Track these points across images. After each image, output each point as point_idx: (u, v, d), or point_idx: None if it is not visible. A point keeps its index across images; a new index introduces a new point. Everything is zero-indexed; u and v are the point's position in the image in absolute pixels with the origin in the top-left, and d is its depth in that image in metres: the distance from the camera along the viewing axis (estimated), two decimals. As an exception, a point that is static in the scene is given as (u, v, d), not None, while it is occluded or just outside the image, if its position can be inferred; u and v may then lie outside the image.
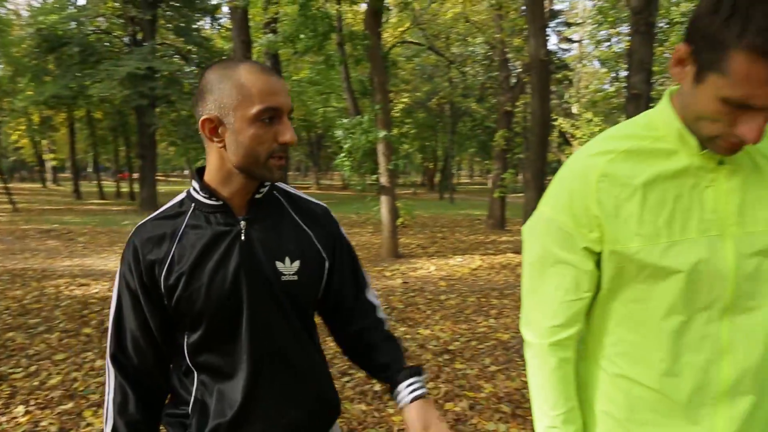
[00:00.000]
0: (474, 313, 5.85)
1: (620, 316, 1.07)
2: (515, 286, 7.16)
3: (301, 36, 7.66)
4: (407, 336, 4.98)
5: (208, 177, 1.18)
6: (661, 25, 18.51)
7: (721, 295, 0.99)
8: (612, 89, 22.83)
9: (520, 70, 15.52)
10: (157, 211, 1.22)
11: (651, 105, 14.64)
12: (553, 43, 29.77)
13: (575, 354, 1.14)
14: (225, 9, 21.24)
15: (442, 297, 6.59)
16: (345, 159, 9.06)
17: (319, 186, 43.83)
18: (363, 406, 3.33)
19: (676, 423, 1.04)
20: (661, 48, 18.07)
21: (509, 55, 15.23)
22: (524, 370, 4.00)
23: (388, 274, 8.29)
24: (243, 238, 1.16)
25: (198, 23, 22.51)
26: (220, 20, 22.99)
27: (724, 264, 0.98)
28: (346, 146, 9.28)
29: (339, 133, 9.17)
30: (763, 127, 0.89)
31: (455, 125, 32.20)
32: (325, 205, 1.36)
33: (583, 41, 29.10)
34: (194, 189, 1.20)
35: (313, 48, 8.08)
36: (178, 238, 1.14)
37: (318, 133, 40.91)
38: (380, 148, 9.29)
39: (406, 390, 1.21)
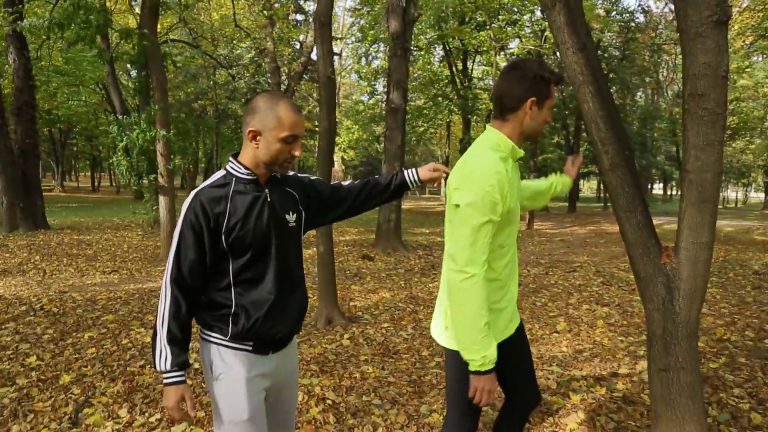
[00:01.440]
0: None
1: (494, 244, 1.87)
2: (309, 279, 7.86)
3: (72, 25, 7.19)
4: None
5: (243, 161, 1.79)
6: (413, 49, 21.17)
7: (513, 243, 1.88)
8: (372, 101, 25.02)
9: (289, 78, 16.31)
10: (209, 182, 1.78)
11: (407, 116, 16.54)
12: (313, 54, 31.25)
13: None
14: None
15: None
16: (121, 158, 8.69)
17: (64, 189, 38.74)
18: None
19: (511, 289, 1.97)
20: (411, 69, 20.64)
21: (280, 63, 15.91)
22: (323, 340, 4.72)
23: (172, 274, 8.27)
24: (269, 199, 1.80)
25: None
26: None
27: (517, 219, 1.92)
28: (120, 144, 8.90)
29: (113, 129, 8.75)
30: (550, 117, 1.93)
31: (219, 127, 31.80)
32: (298, 174, 2.02)
33: (342, 54, 31.29)
34: (233, 168, 1.79)
35: (85, 39, 7.63)
36: (230, 199, 1.73)
37: (62, 129, 36.30)
38: (159, 148, 9.14)
39: (408, 174, 2.08)
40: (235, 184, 1.77)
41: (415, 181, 2.08)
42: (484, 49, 19.69)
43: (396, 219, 11.55)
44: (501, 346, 1.88)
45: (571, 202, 28.04)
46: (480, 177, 1.75)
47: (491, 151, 1.86)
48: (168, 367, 1.68)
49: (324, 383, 3.81)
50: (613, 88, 28.62)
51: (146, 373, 4.02)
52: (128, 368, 4.13)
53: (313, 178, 2.06)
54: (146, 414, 3.32)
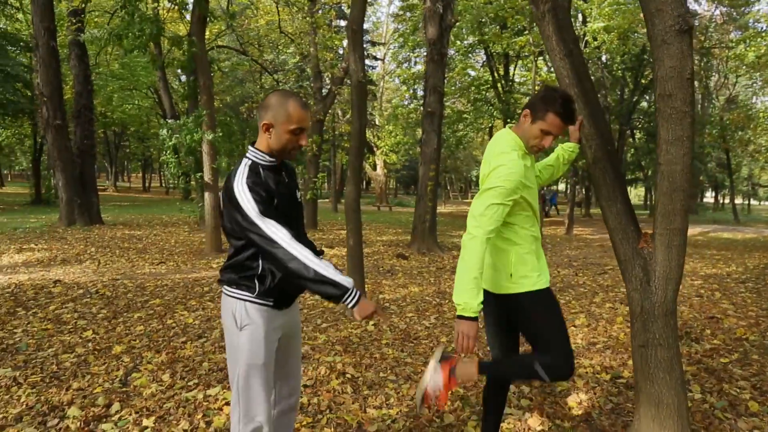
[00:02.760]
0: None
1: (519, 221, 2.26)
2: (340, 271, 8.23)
3: (129, 35, 7.80)
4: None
5: (262, 148, 2.10)
6: (451, 53, 21.40)
7: (536, 211, 2.27)
8: (412, 106, 25.35)
9: (331, 83, 16.82)
10: (245, 174, 2.04)
11: (444, 120, 16.76)
12: (359, 58, 31.75)
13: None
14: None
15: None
16: (170, 156, 9.29)
17: (116, 189, 40.63)
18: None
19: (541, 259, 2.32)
20: (451, 74, 20.86)
21: (322, 68, 16.41)
22: (349, 325, 5.06)
23: (214, 265, 8.79)
24: (286, 180, 2.17)
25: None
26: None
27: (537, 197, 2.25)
28: (169, 143, 9.48)
29: (164, 132, 9.36)
30: (552, 142, 2.20)
31: (266, 130, 32.69)
32: (292, 165, 2.35)
33: (385, 60, 31.76)
34: (257, 156, 2.10)
35: (139, 47, 8.24)
36: (266, 180, 2.06)
37: (116, 131, 38.09)
38: (205, 148, 9.71)
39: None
40: (264, 170, 2.09)
41: None
42: (525, 54, 19.74)
43: (431, 220, 11.82)
44: (550, 290, 2.31)
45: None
46: (504, 172, 2.15)
47: (512, 150, 2.25)
48: (352, 282, 1.98)
49: (346, 361, 4.15)
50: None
51: (187, 348, 4.44)
52: (171, 343, 4.57)
53: None
54: (185, 379, 3.73)
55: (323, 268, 1.96)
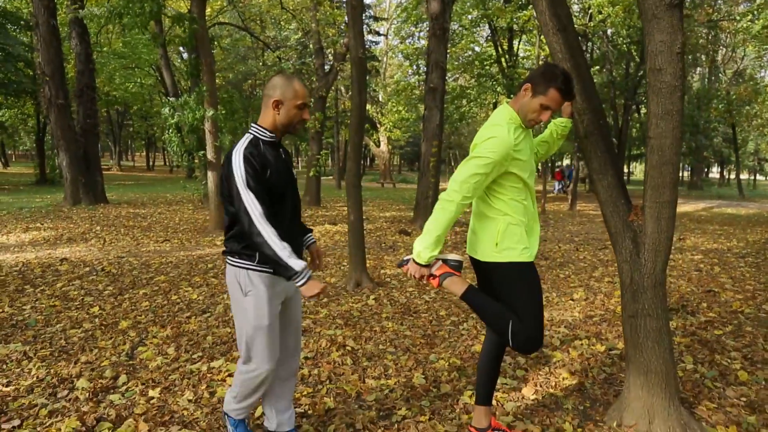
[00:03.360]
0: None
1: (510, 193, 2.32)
2: (342, 247, 8.32)
3: (129, 13, 7.77)
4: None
5: (265, 125, 2.31)
6: (454, 27, 21.18)
7: (530, 186, 2.31)
8: (413, 81, 25.18)
9: (333, 59, 16.71)
10: (244, 144, 2.25)
11: (447, 96, 16.70)
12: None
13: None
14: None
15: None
16: (173, 135, 9.32)
17: (120, 168, 40.74)
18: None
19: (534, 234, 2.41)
20: (453, 49, 20.66)
21: (324, 44, 16.30)
22: (350, 299, 5.15)
23: (218, 242, 8.89)
24: (283, 156, 2.38)
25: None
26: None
27: (534, 168, 2.29)
28: (171, 121, 9.50)
29: (165, 110, 9.37)
30: (549, 117, 2.26)
31: (269, 108, 32.53)
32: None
33: (388, 35, 31.45)
34: (259, 131, 2.31)
35: (140, 26, 8.21)
36: (264, 155, 2.26)
37: (119, 110, 38.03)
38: (207, 126, 9.73)
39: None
40: (263, 144, 2.30)
41: (306, 247, 2.70)
42: (529, 28, 19.52)
43: (433, 196, 11.85)
44: (533, 266, 2.39)
45: (617, 184, 27.47)
46: (491, 144, 2.20)
47: (506, 124, 2.29)
48: (303, 264, 2.17)
49: (346, 334, 4.24)
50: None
51: (191, 322, 4.54)
52: (176, 318, 4.67)
53: None
54: (190, 352, 3.83)
55: (280, 250, 2.15)
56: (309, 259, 2.72)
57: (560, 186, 26.49)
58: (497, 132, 2.22)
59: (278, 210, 2.30)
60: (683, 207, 19.35)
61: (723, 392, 3.24)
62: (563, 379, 3.44)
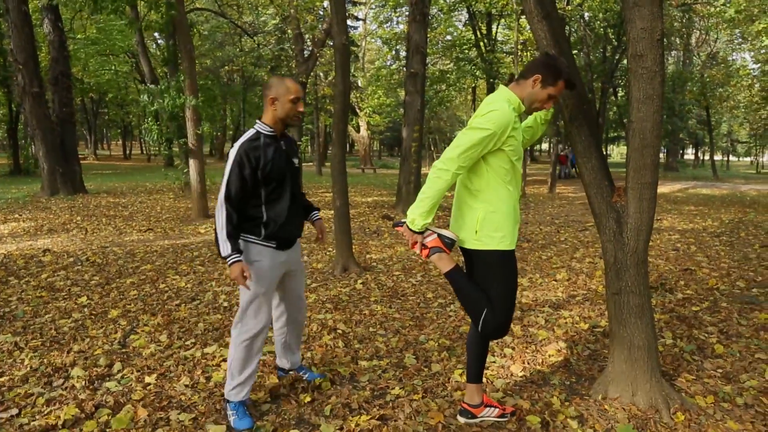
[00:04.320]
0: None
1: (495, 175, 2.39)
2: (327, 233, 8.35)
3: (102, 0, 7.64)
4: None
5: (266, 121, 2.65)
6: (434, 11, 21.13)
7: (517, 170, 2.40)
8: (394, 66, 25.10)
9: (312, 45, 16.59)
10: (247, 138, 2.62)
11: (426, 82, 16.75)
12: (339, 19, 31.17)
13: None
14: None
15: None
16: (152, 123, 9.22)
17: (96, 157, 39.99)
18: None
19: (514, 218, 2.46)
20: (432, 33, 20.63)
21: (303, 30, 16.17)
22: (338, 284, 5.22)
23: (201, 230, 8.87)
24: (283, 148, 2.70)
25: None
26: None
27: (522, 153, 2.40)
28: (150, 110, 9.40)
29: (144, 98, 9.26)
30: (550, 104, 2.43)
31: (245, 94, 32.25)
32: (292, 136, 2.84)
33: (367, 20, 31.23)
34: (261, 127, 2.66)
35: (114, 11, 8.07)
36: (262, 149, 2.60)
37: (94, 98, 37.26)
38: (188, 114, 9.65)
39: (313, 215, 3.08)
40: (263, 138, 2.64)
41: (312, 222, 3.08)
42: (507, 12, 19.57)
43: (415, 181, 11.93)
44: (513, 253, 2.47)
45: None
46: (494, 116, 2.28)
47: (506, 102, 2.37)
48: (229, 252, 2.49)
49: (336, 318, 4.32)
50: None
51: (182, 310, 4.57)
52: (166, 306, 4.70)
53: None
54: (182, 339, 3.87)
55: (222, 232, 2.52)
56: (316, 233, 3.14)
57: (565, 170, 26.10)
58: (498, 106, 2.31)
59: (277, 195, 2.65)
60: (660, 188, 19.71)
61: (701, 365, 3.39)
62: (549, 356, 3.56)
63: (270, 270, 2.66)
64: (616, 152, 72.01)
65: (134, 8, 9.87)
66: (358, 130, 34.26)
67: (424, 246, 2.46)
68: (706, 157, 50.99)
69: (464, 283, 2.47)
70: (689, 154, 56.47)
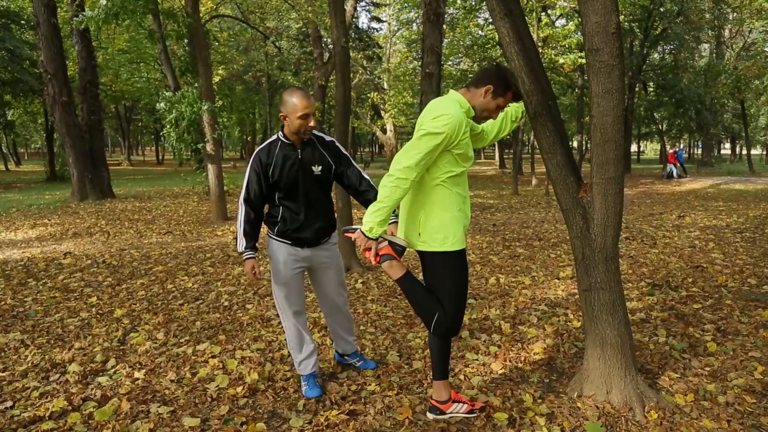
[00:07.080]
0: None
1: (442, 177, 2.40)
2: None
3: (124, 11, 7.89)
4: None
5: (285, 131, 2.79)
6: (451, 11, 21.04)
7: (464, 172, 2.44)
8: (412, 67, 25.10)
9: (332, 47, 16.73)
10: (266, 144, 2.84)
11: (448, 81, 16.67)
12: (363, 21, 31.35)
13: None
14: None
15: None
16: (171, 130, 9.47)
17: (131, 163, 41.08)
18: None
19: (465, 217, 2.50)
20: (450, 33, 20.56)
21: (322, 33, 16.33)
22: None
23: (219, 233, 9.06)
24: (300, 156, 2.82)
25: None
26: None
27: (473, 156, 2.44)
28: (169, 117, 9.65)
29: (162, 105, 9.52)
30: (498, 114, 2.57)
31: (272, 98, 32.67)
32: (331, 137, 2.98)
33: (391, 22, 31.29)
34: (280, 136, 2.83)
35: (134, 22, 8.33)
36: (275, 156, 2.79)
37: (127, 105, 38.30)
38: (205, 119, 9.87)
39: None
40: (280, 146, 2.81)
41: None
42: (528, 10, 19.36)
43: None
44: (461, 253, 2.48)
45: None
46: (445, 119, 2.28)
47: (457, 104, 2.39)
48: (244, 248, 2.84)
49: (330, 317, 4.38)
50: (671, 45, 27.43)
51: (183, 309, 4.71)
52: (169, 306, 4.84)
53: (344, 153, 3.01)
54: (178, 337, 4.00)
55: (240, 229, 2.86)
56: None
57: (676, 170, 22.49)
58: (448, 110, 2.31)
59: (290, 199, 2.83)
60: (692, 184, 19.21)
61: (689, 363, 3.33)
62: (534, 354, 3.55)
63: (283, 264, 2.88)
64: (650, 148, 70.35)
65: (156, 17, 10.12)
66: (384, 132, 34.33)
67: (375, 253, 2.49)
68: (744, 152, 49.39)
69: (415, 289, 2.53)
70: (726, 149, 54.80)
